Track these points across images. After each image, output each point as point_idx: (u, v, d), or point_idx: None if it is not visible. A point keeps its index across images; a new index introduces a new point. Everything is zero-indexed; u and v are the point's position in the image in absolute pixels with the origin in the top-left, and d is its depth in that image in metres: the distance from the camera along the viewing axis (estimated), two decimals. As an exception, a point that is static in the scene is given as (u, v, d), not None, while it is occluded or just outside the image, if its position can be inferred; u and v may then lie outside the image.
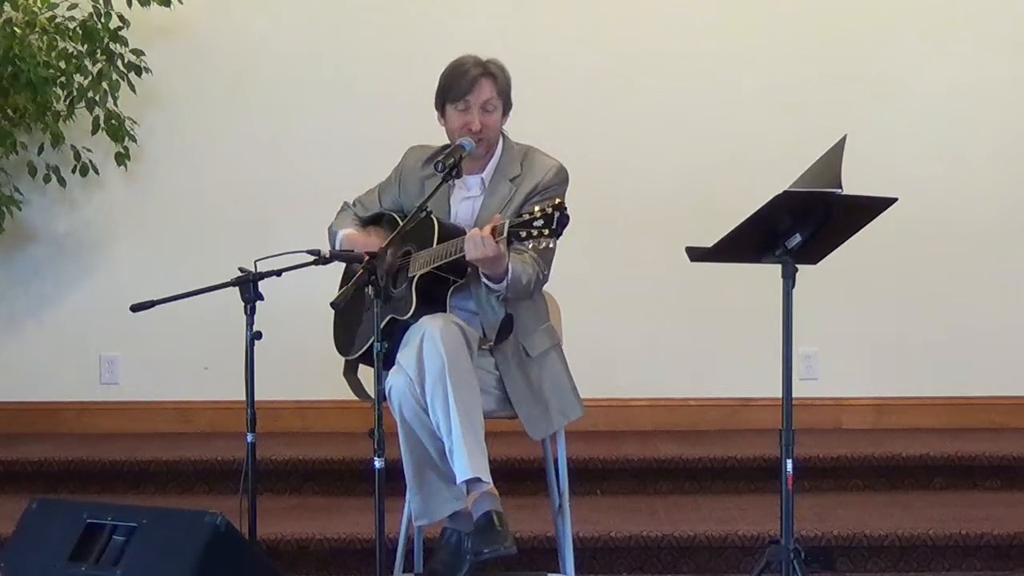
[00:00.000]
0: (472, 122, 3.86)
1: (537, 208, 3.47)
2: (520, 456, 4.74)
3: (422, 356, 3.63)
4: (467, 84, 3.87)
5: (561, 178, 3.91)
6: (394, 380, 3.68)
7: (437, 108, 3.96)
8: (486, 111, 3.88)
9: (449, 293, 3.80)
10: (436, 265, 3.72)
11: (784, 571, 3.51)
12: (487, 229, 3.55)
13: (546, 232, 3.44)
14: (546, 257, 3.82)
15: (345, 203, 4.18)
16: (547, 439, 3.99)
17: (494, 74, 3.90)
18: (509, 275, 3.67)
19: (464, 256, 3.62)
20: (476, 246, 3.56)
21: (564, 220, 3.43)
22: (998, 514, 4.59)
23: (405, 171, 4.06)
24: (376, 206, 4.10)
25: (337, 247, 4.00)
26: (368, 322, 3.79)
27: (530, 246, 3.57)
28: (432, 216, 3.79)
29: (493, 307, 3.84)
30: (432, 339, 3.62)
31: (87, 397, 5.79)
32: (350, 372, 4.02)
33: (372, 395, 3.60)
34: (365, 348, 3.87)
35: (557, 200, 3.47)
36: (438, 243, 3.74)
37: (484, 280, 3.72)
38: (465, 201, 3.96)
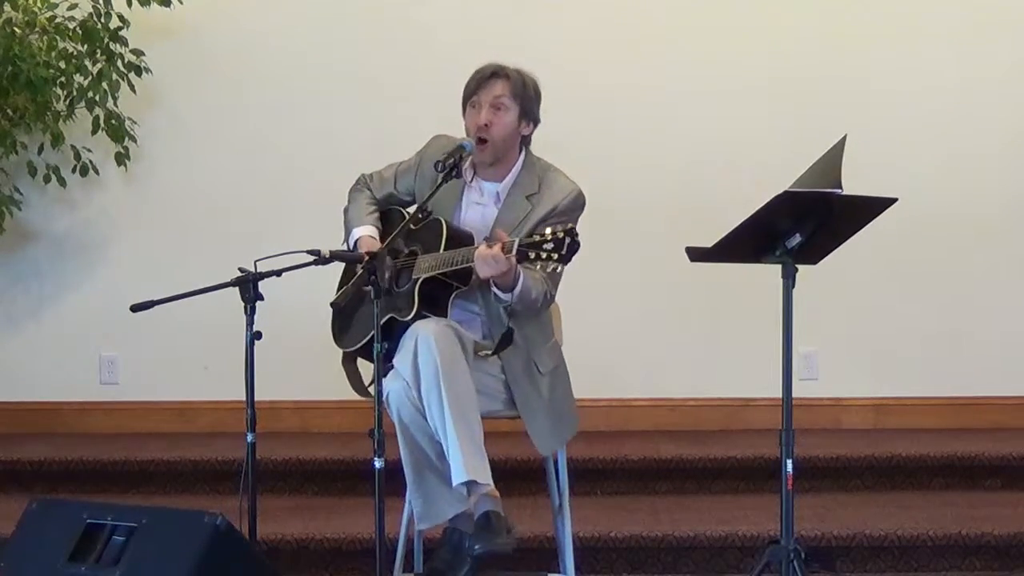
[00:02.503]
0: (479, 118, 3.85)
1: (549, 231, 3.45)
2: (520, 456, 4.74)
3: (417, 361, 3.63)
4: (479, 82, 3.88)
5: (579, 204, 3.89)
6: (391, 386, 3.68)
7: (463, 114, 3.94)
8: (495, 109, 3.85)
9: (451, 298, 3.80)
10: (441, 271, 3.71)
11: (784, 571, 3.51)
12: (496, 247, 3.54)
13: (555, 257, 3.42)
14: (554, 279, 3.81)
15: (361, 177, 4.12)
16: (547, 439, 3.99)
17: (509, 76, 3.88)
18: (519, 285, 3.66)
19: (470, 265, 3.62)
20: (488, 265, 3.56)
21: (574, 247, 3.43)
22: (998, 514, 4.59)
23: (426, 159, 4.00)
24: (391, 185, 4.07)
25: (351, 240, 3.99)
26: (366, 316, 3.79)
27: (537, 267, 3.54)
28: (440, 219, 3.78)
29: (500, 315, 3.83)
30: (426, 343, 3.62)
31: (87, 397, 5.79)
32: (348, 362, 4.01)
33: (369, 391, 3.61)
34: (362, 343, 3.87)
35: (570, 225, 3.46)
36: (445, 248, 3.73)
37: (494, 289, 3.71)
38: (476, 206, 3.94)
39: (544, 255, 3.43)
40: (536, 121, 3.95)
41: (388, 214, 4.07)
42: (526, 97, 3.90)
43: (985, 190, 5.73)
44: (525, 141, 3.95)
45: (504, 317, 3.81)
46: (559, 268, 3.50)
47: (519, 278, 3.65)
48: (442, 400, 3.60)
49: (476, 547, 3.62)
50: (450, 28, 5.61)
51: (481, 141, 3.84)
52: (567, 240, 3.41)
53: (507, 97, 3.86)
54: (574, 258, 3.47)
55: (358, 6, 5.74)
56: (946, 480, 5.04)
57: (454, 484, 3.63)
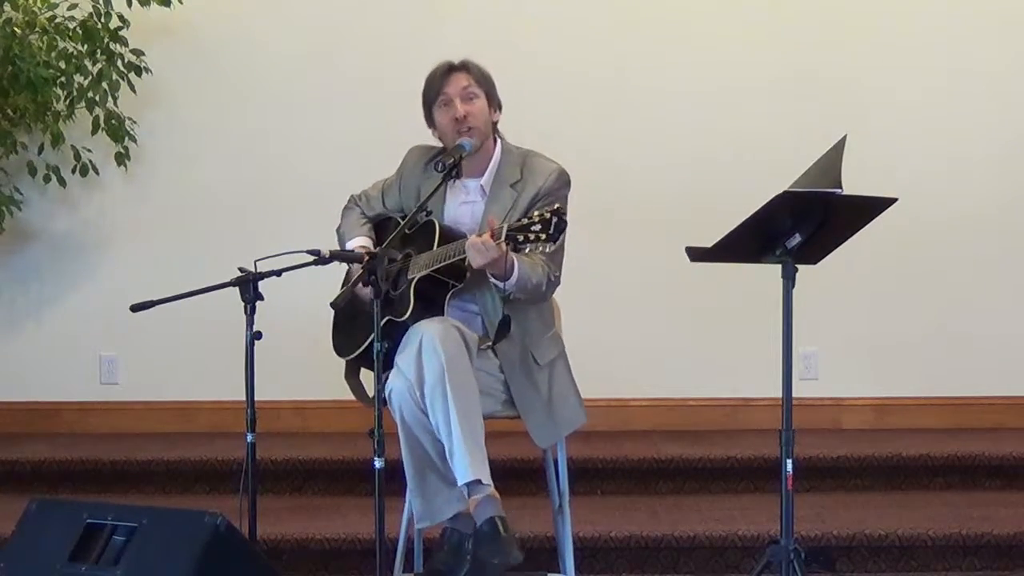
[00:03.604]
0: (456, 111, 3.85)
1: (536, 213, 3.48)
2: (520, 456, 4.74)
3: (421, 359, 3.63)
4: (440, 80, 3.90)
5: (563, 182, 3.90)
6: (394, 383, 3.67)
7: (426, 122, 3.96)
8: (467, 99, 3.87)
9: (448, 297, 3.80)
10: (435, 268, 3.72)
11: (784, 571, 3.51)
12: (486, 235, 3.55)
13: (543, 237, 3.45)
14: (555, 259, 3.81)
15: (352, 197, 4.16)
16: (547, 439, 3.99)
17: (466, 66, 3.92)
18: (515, 273, 3.66)
19: (463, 260, 3.63)
20: (480, 253, 3.56)
21: (562, 225, 3.45)
22: (998, 514, 4.59)
23: (406, 171, 4.06)
24: (379, 203, 4.10)
25: None
26: (366, 323, 3.79)
27: (527, 250, 3.56)
28: (433, 220, 3.79)
29: (497, 310, 3.83)
30: (431, 342, 3.62)
31: (87, 397, 5.79)
32: (351, 376, 4.02)
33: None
34: (362, 349, 3.88)
35: (556, 205, 3.49)
36: (438, 247, 3.74)
37: (492, 280, 3.72)
38: (464, 205, 3.95)
39: (533, 237, 3.45)
40: (500, 107, 3.98)
41: (383, 224, 4.09)
42: (488, 84, 3.94)
43: (985, 190, 5.73)
44: (496, 130, 3.97)
45: (500, 307, 3.81)
46: (549, 248, 3.52)
47: (515, 265, 3.65)
48: (447, 399, 3.59)
49: (494, 560, 3.58)
50: (452, 28, 5.60)
51: (467, 131, 3.86)
52: (554, 220, 3.44)
53: (474, 86, 3.89)
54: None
55: (358, 5, 5.74)
56: (946, 480, 5.04)
57: (459, 483, 3.62)
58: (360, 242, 3.99)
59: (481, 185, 3.94)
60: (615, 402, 5.66)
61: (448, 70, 3.90)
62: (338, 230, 4.11)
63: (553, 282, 3.84)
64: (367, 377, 3.88)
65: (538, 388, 3.88)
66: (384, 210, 4.09)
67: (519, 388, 3.86)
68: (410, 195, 3.99)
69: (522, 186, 3.88)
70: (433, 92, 3.90)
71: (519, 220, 3.52)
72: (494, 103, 3.95)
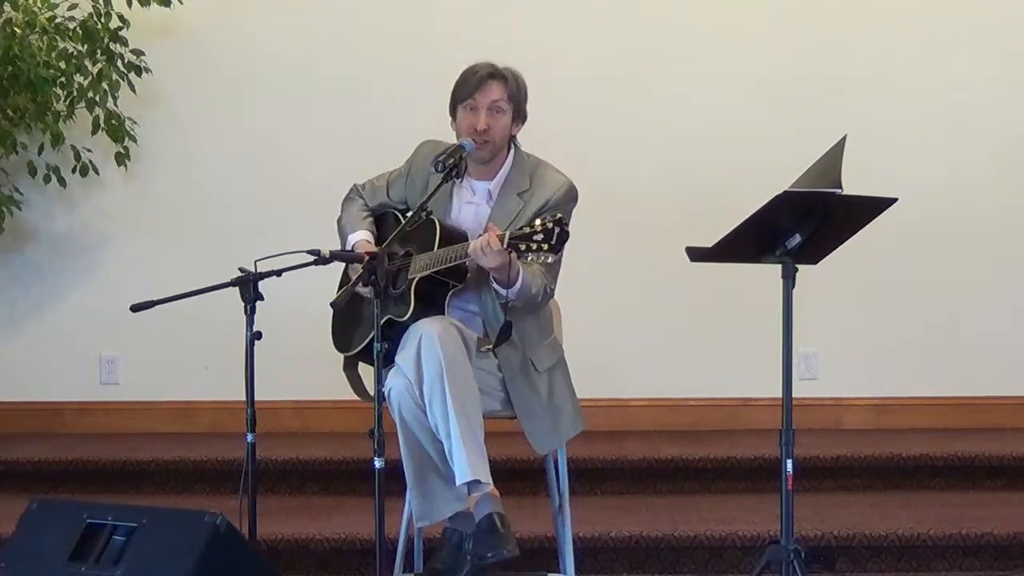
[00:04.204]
0: (478, 122, 3.84)
1: (538, 222, 3.48)
2: (520, 456, 4.74)
3: (420, 358, 3.63)
4: (475, 83, 3.86)
5: (571, 196, 3.89)
6: (393, 382, 3.68)
7: (450, 113, 3.94)
8: (493, 112, 3.85)
9: (448, 297, 3.80)
10: (436, 269, 3.72)
11: (784, 571, 3.52)
12: (492, 236, 3.54)
13: (545, 247, 3.45)
14: (552, 271, 3.82)
15: (354, 187, 4.14)
16: (547, 439, 3.99)
17: (504, 77, 3.88)
18: (520, 281, 3.67)
19: (464, 262, 3.64)
20: (491, 256, 3.55)
21: (564, 236, 3.45)
22: (999, 514, 4.59)
23: (415, 165, 4.03)
24: (384, 194, 4.08)
25: (347, 247, 3.99)
26: (366, 320, 3.79)
27: (528, 259, 3.56)
28: (434, 219, 3.78)
29: (497, 314, 3.83)
30: (430, 341, 3.62)
31: (87, 397, 5.79)
32: (350, 368, 4.02)
33: (371, 394, 3.61)
34: (362, 346, 3.88)
35: (559, 215, 3.48)
36: (439, 246, 3.74)
37: (495, 285, 3.72)
38: (468, 205, 3.95)
39: (535, 246, 3.45)
40: (525, 119, 3.96)
41: (383, 217, 4.08)
42: (519, 99, 3.92)
43: (985, 190, 5.74)
44: (514, 138, 3.97)
45: (501, 313, 3.81)
46: (550, 258, 3.52)
47: (519, 273, 3.65)
48: (445, 398, 3.60)
49: (489, 555, 3.59)
50: (450, 28, 5.61)
51: (482, 143, 3.84)
52: (556, 230, 3.44)
53: (504, 100, 3.87)
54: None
55: (357, 7, 5.74)
56: (946, 480, 5.04)
57: (458, 483, 3.62)
58: (362, 236, 3.98)
59: (489, 190, 3.93)
60: (615, 402, 5.67)
61: (486, 76, 3.85)
62: (339, 221, 4.10)
63: (548, 294, 3.85)
64: (365, 370, 3.88)
65: (538, 393, 3.88)
66: (388, 201, 4.07)
67: (519, 394, 3.86)
68: (417, 189, 3.97)
69: (529, 195, 3.87)
70: (464, 92, 3.87)
71: (521, 228, 3.52)
72: (520, 117, 3.93)
